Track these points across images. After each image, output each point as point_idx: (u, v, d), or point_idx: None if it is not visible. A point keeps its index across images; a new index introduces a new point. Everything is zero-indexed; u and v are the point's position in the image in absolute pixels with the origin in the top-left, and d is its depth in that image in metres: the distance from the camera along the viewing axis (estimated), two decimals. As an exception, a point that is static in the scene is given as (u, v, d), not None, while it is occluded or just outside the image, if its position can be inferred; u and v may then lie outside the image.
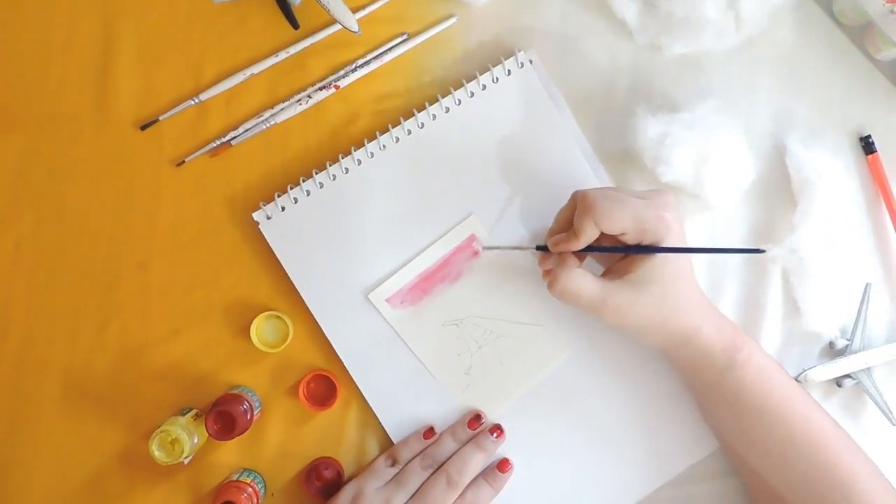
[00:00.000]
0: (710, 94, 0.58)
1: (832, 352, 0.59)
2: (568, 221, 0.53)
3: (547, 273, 0.54)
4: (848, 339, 0.59)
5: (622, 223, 0.49)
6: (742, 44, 0.58)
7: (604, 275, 0.53)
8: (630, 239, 0.50)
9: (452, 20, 0.58)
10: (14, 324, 0.58)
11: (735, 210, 0.59)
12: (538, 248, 0.54)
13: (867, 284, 0.59)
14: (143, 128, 0.58)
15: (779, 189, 0.59)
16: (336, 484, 0.58)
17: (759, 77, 0.59)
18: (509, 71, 0.57)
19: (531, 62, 0.58)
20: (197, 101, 0.57)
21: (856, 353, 0.58)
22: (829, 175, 0.58)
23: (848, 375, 0.58)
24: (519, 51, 0.57)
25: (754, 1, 0.57)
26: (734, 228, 0.59)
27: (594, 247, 0.52)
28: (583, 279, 0.51)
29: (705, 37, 0.58)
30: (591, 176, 0.58)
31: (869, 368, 0.58)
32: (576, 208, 0.52)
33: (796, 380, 0.58)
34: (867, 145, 0.59)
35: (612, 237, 0.51)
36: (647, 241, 0.50)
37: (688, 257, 0.51)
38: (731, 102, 0.58)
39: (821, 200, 0.57)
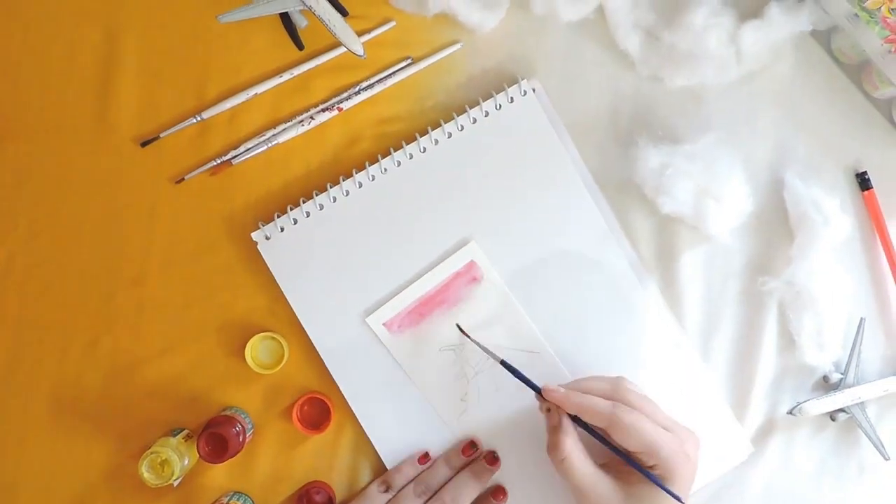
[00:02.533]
0: (710, 126, 0.59)
1: (826, 385, 0.60)
2: (603, 390, 0.51)
3: (549, 417, 0.52)
4: (842, 374, 0.59)
5: (646, 449, 0.48)
6: (742, 78, 0.59)
7: (602, 462, 0.51)
8: (644, 459, 0.49)
9: (457, 46, 0.59)
10: (4, 337, 0.57)
11: (733, 242, 0.59)
12: (534, 388, 0.53)
13: (862, 319, 0.59)
14: (144, 144, 0.57)
15: (776, 222, 0.59)
16: (327, 509, 0.57)
17: (759, 111, 0.60)
18: (512, 98, 0.58)
19: (534, 90, 0.58)
20: (199, 118, 0.57)
21: (850, 387, 0.58)
22: (825, 210, 0.58)
23: (842, 409, 0.58)
24: (522, 78, 0.58)
25: (755, 36, 0.57)
26: (732, 260, 0.59)
27: (604, 438, 0.51)
28: (584, 460, 0.50)
29: (707, 70, 0.58)
30: (591, 205, 0.58)
31: (862, 403, 0.59)
32: (611, 395, 0.50)
33: (790, 413, 0.58)
34: (863, 181, 0.60)
35: None
36: (660, 467, 0.49)
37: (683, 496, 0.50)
38: (731, 135, 0.59)
39: (817, 235, 0.58)
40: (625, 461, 0.50)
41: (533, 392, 0.53)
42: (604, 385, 0.52)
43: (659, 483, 0.49)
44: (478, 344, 0.55)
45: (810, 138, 0.60)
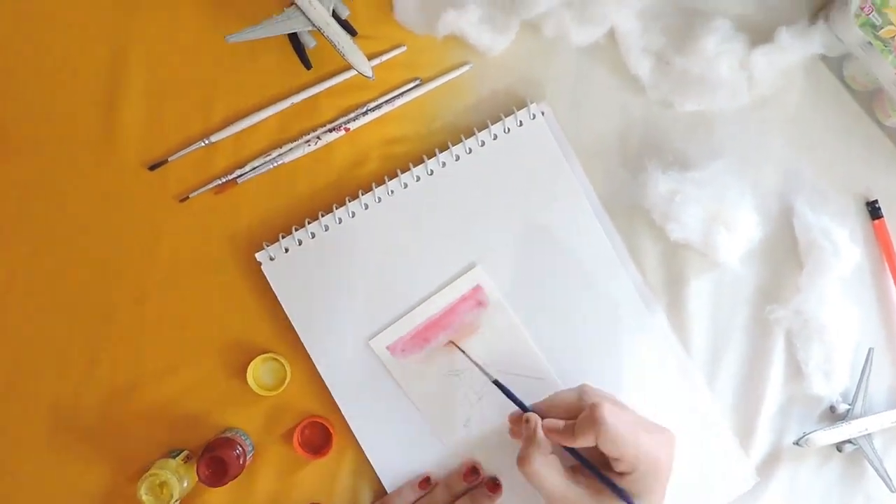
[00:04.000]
0: (720, 152, 0.58)
1: (833, 416, 0.59)
2: (566, 409, 0.51)
3: (516, 433, 0.53)
4: (849, 404, 0.58)
5: (625, 456, 0.48)
6: (753, 103, 0.58)
7: (573, 469, 0.51)
8: (620, 467, 0.49)
9: (466, 67, 0.58)
10: (3, 354, 0.57)
11: (741, 269, 0.58)
12: (522, 408, 0.53)
13: (870, 349, 0.59)
14: (153, 168, 0.57)
15: (785, 250, 0.59)
16: (326, 532, 0.56)
17: (770, 137, 0.59)
18: (521, 122, 0.57)
19: (543, 114, 0.57)
20: (207, 142, 0.57)
21: (857, 418, 0.58)
22: (835, 239, 0.58)
23: (848, 441, 0.58)
24: (531, 102, 0.57)
25: (767, 61, 0.57)
26: (740, 288, 0.59)
27: (578, 453, 0.50)
28: (553, 470, 0.50)
29: (718, 96, 0.58)
30: (599, 230, 0.57)
31: (869, 434, 0.58)
32: (580, 403, 0.50)
33: (797, 444, 0.57)
34: (874, 210, 0.59)
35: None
36: (635, 480, 0.48)
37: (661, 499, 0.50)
38: (741, 161, 0.58)
39: (827, 264, 0.57)
40: (598, 478, 0.50)
41: (508, 416, 0.54)
42: (570, 393, 0.52)
43: (629, 499, 0.48)
44: (471, 360, 0.55)
45: (821, 166, 0.59)
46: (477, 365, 0.55)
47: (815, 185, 0.59)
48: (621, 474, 0.49)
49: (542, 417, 0.51)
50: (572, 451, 0.51)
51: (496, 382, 0.54)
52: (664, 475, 0.49)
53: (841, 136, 0.60)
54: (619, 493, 0.49)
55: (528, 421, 0.51)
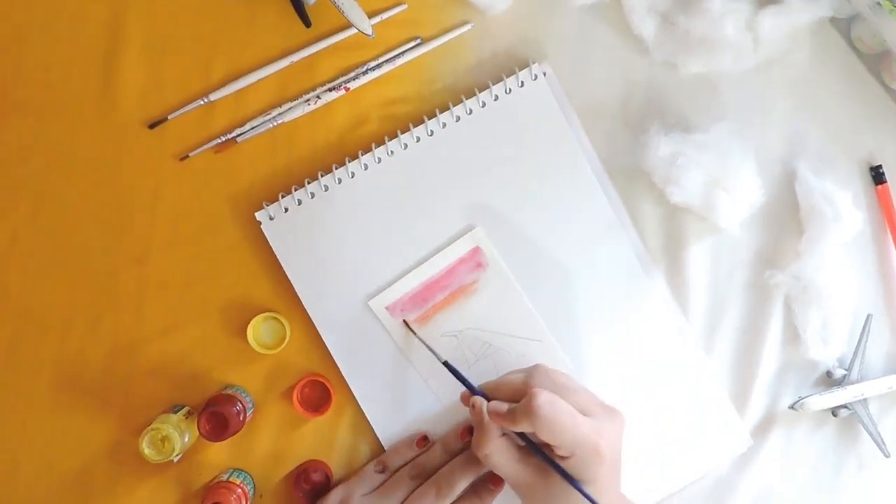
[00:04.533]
0: (723, 114, 0.58)
1: (829, 381, 0.59)
2: (513, 392, 0.51)
3: (473, 415, 0.52)
4: (846, 370, 0.58)
5: (562, 443, 0.48)
6: (758, 66, 0.58)
7: (524, 450, 0.51)
8: (559, 451, 0.49)
9: (467, 27, 0.57)
10: (7, 313, 0.57)
11: (741, 233, 0.58)
12: (470, 390, 0.52)
13: (868, 316, 0.59)
14: (152, 126, 0.57)
15: (786, 215, 0.59)
16: (324, 487, 0.57)
17: (774, 100, 0.59)
18: (522, 83, 0.57)
19: (545, 74, 0.57)
20: (206, 100, 0.56)
21: (853, 383, 0.58)
22: (837, 204, 0.57)
23: (844, 406, 0.58)
24: (533, 62, 0.57)
25: (774, 22, 0.56)
26: (740, 252, 0.59)
27: (525, 436, 0.50)
28: (504, 453, 0.50)
29: (722, 57, 0.57)
30: (599, 193, 0.57)
31: (865, 399, 0.58)
32: (524, 387, 0.50)
33: (792, 408, 0.58)
34: (877, 175, 0.59)
35: None
36: (575, 464, 0.48)
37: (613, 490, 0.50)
38: (744, 124, 0.58)
39: (827, 229, 0.57)
40: (542, 460, 0.50)
41: (460, 394, 0.54)
42: (519, 375, 0.52)
43: (572, 482, 0.49)
44: (422, 341, 0.56)
45: (825, 130, 0.59)
46: (427, 346, 0.55)
47: (819, 149, 0.59)
48: (562, 458, 0.49)
49: (489, 399, 0.51)
50: (520, 433, 0.51)
51: (446, 364, 0.54)
52: (607, 460, 0.49)
53: (846, 100, 0.59)
54: (565, 476, 0.49)
55: (473, 406, 0.52)
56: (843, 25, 0.58)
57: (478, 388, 0.53)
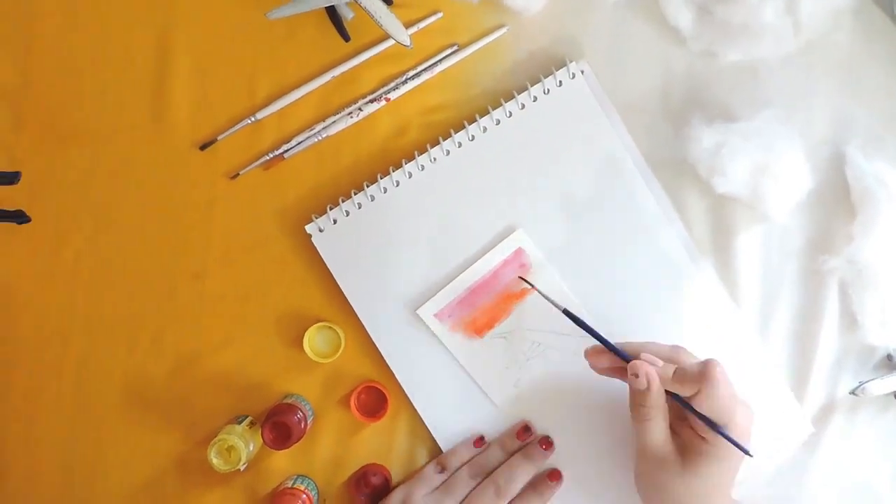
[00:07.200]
0: (766, 101, 0.57)
1: (890, 364, 0.58)
2: (664, 356, 0.52)
3: (599, 369, 0.53)
4: (907, 353, 0.57)
5: (720, 419, 0.49)
6: (800, 49, 0.57)
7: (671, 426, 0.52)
8: (704, 431, 0.50)
9: (503, 30, 0.58)
10: (75, 332, 0.60)
11: (791, 220, 0.57)
12: (603, 341, 0.53)
13: (928, 297, 0.57)
14: (203, 148, 0.59)
15: (837, 199, 0.58)
16: (383, 490, 0.58)
17: (818, 83, 0.58)
18: (560, 82, 0.57)
19: (582, 72, 0.57)
20: (253, 119, 0.58)
21: (915, 366, 0.57)
22: (889, 184, 0.56)
23: (906, 389, 0.57)
24: (570, 61, 0.57)
25: (814, 4, 0.55)
26: (790, 239, 0.58)
27: (691, 406, 0.50)
28: (662, 425, 0.51)
29: (763, 43, 0.56)
30: (643, 187, 0.57)
31: (928, 382, 0.57)
32: (674, 361, 0.51)
33: (853, 393, 0.57)
34: (931, 153, 0.58)
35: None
36: (717, 443, 0.49)
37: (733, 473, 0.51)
38: (789, 110, 0.57)
39: (881, 210, 0.56)
40: (708, 427, 0.50)
41: (586, 350, 0.54)
42: (662, 345, 0.53)
43: (736, 443, 0.49)
44: (543, 295, 0.55)
45: (872, 109, 0.58)
46: (546, 297, 0.55)
47: (868, 129, 0.58)
48: (703, 438, 0.50)
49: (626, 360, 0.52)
50: (685, 403, 0.50)
51: (567, 313, 0.54)
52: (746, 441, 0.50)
53: (892, 78, 0.57)
54: (738, 446, 0.49)
55: (636, 374, 0.50)
56: (886, 2, 0.57)
57: (616, 346, 0.53)
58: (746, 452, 0.50)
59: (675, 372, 0.50)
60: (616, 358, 0.52)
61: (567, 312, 0.54)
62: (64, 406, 0.60)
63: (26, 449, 0.60)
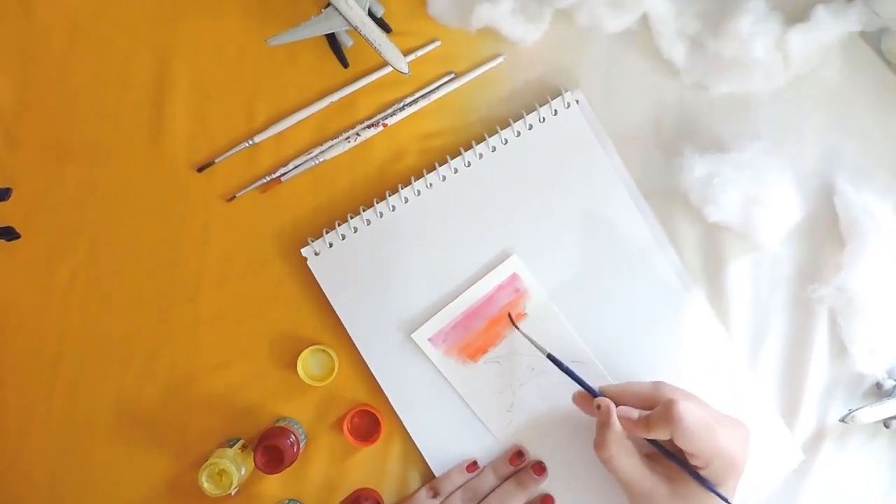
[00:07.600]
0: (757, 133, 0.58)
1: (879, 392, 0.59)
2: (640, 399, 0.52)
3: (586, 411, 0.54)
4: (895, 380, 0.58)
5: (702, 452, 0.49)
6: (790, 83, 0.58)
7: (648, 455, 0.52)
8: (695, 461, 0.50)
9: (499, 59, 0.59)
10: (68, 352, 0.60)
11: (782, 249, 0.58)
12: (589, 391, 0.53)
13: (916, 326, 0.58)
14: (201, 170, 0.59)
15: (826, 229, 0.59)
16: (376, 515, 0.58)
17: (807, 116, 0.59)
18: (556, 111, 0.58)
19: (577, 102, 0.58)
20: (251, 143, 0.59)
21: (903, 394, 0.58)
22: (877, 215, 0.57)
23: (895, 416, 0.58)
24: (565, 90, 0.58)
25: (803, 40, 0.56)
26: (781, 268, 0.59)
27: (658, 444, 0.51)
28: (629, 457, 0.51)
29: (753, 77, 0.57)
30: (636, 215, 0.58)
31: (917, 411, 0.58)
32: (654, 395, 0.51)
33: (843, 420, 0.57)
34: (917, 185, 0.59)
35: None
36: (710, 474, 0.50)
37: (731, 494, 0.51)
38: (779, 142, 0.58)
39: (868, 241, 0.57)
40: (677, 465, 0.50)
41: (573, 394, 0.54)
42: (644, 384, 0.53)
43: (712, 489, 0.49)
44: (528, 338, 0.56)
45: (860, 142, 0.59)
46: (531, 341, 0.55)
47: (856, 162, 0.59)
48: (697, 467, 0.50)
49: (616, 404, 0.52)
50: (653, 441, 0.51)
51: (552, 358, 0.54)
52: (739, 469, 0.50)
53: (880, 112, 0.59)
54: (704, 483, 0.49)
55: (599, 407, 0.52)
56: (873, 39, 0.59)
57: (596, 390, 0.53)
58: (723, 498, 0.49)
59: (638, 419, 0.50)
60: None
61: (551, 357, 0.55)
62: (54, 427, 0.59)
63: (15, 469, 0.59)
